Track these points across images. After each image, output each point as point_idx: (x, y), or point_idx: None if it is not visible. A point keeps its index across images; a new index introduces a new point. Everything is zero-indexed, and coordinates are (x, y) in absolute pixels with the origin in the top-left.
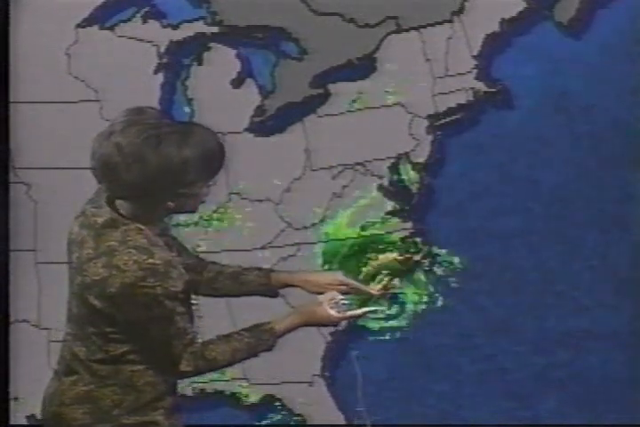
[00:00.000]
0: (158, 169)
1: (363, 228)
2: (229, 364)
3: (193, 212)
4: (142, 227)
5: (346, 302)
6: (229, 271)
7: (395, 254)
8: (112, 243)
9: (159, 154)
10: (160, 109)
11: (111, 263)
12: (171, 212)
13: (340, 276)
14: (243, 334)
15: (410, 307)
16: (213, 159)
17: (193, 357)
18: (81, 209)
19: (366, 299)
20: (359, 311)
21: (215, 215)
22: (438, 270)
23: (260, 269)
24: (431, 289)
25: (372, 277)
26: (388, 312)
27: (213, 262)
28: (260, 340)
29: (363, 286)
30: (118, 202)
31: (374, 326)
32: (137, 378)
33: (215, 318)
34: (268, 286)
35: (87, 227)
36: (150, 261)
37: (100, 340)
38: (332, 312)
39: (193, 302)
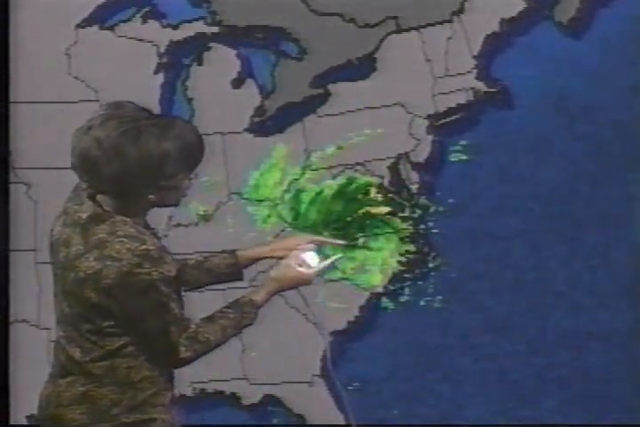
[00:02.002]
0: (138, 162)
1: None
2: (221, 342)
3: (175, 205)
4: (127, 219)
5: (312, 256)
6: (192, 262)
7: (381, 209)
8: (101, 235)
9: (138, 147)
10: (138, 104)
11: (104, 255)
12: (153, 205)
13: (304, 235)
14: (226, 311)
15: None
16: (193, 151)
17: (190, 342)
18: (62, 208)
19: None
20: (326, 262)
21: (215, 215)
22: (436, 273)
23: (223, 251)
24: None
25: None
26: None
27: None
28: (244, 313)
29: (329, 240)
30: (100, 197)
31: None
32: (134, 374)
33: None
34: (237, 266)
35: (71, 224)
36: (143, 247)
37: (95, 336)
38: (302, 269)
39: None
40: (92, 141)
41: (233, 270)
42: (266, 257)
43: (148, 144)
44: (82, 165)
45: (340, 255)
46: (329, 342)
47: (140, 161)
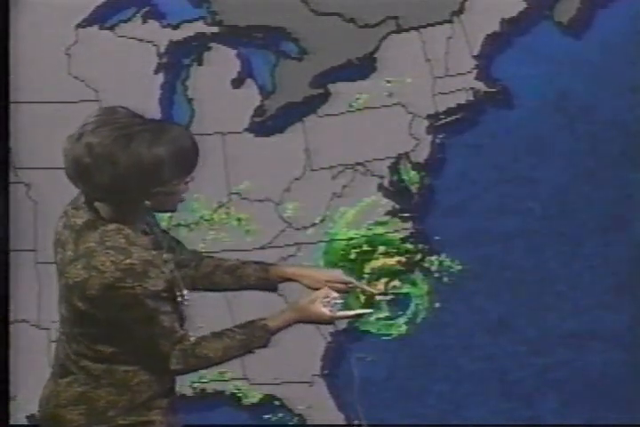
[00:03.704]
0: (130, 169)
1: (365, 228)
2: (222, 361)
3: (173, 210)
4: (122, 226)
5: (339, 301)
6: (227, 265)
7: (395, 259)
8: (91, 244)
9: (130, 153)
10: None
11: (90, 265)
12: (149, 211)
13: (339, 273)
14: (235, 331)
15: (412, 308)
16: (187, 156)
17: (183, 354)
18: (63, 209)
19: (367, 300)
20: (351, 313)
21: (215, 215)
22: (436, 273)
23: (258, 262)
24: (429, 289)
25: (372, 280)
26: (387, 315)
27: (209, 256)
28: (253, 337)
29: (363, 285)
30: (97, 204)
31: (374, 328)
32: (131, 378)
33: (215, 315)
34: (267, 280)
35: (69, 228)
36: (128, 261)
37: (87, 340)
38: (325, 310)
39: (185, 298)
40: (84, 148)
41: (263, 284)
42: (295, 280)
43: (140, 150)
44: (74, 173)
45: (368, 311)
46: (352, 351)
47: (132, 168)
